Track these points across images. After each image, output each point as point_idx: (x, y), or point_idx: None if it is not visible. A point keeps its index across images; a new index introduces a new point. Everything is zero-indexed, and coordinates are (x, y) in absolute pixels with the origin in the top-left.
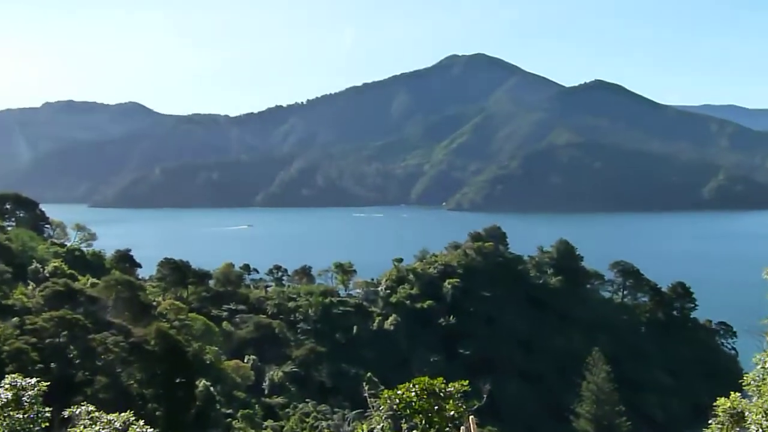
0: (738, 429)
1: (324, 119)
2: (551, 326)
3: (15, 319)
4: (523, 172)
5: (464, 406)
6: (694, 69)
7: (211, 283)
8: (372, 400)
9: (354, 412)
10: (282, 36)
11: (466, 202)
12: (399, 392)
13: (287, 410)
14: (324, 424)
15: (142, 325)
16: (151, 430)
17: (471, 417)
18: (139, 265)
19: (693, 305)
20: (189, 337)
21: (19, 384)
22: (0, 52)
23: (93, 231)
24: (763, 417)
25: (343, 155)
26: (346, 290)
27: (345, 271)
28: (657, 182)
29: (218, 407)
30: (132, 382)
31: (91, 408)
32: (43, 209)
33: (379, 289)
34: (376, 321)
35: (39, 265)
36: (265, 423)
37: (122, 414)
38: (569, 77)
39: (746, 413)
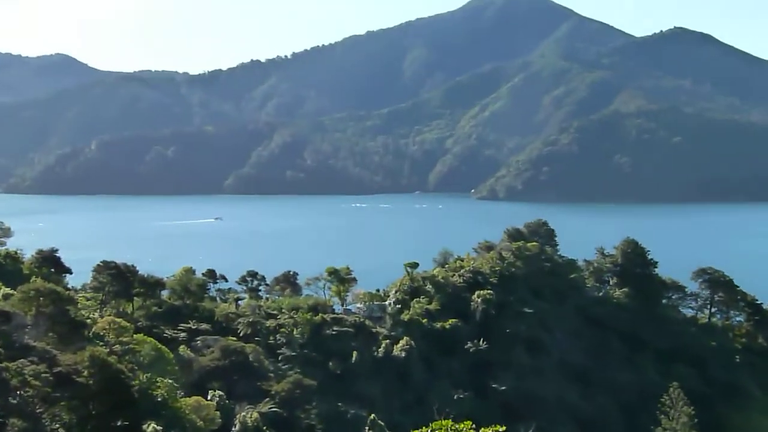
0: None
1: (315, 79)
2: (615, 354)
3: None
4: (578, 149)
5: None
6: None
7: (165, 294)
8: None
9: None
10: None
11: (502, 189)
12: None
13: None
14: None
15: (71, 350)
16: None
17: None
18: (69, 271)
19: None
20: (134, 366)
21: None
22: None
23: (7, 225)
24: None
25: (340, 127)
26: (342, 305)
27: (341, 279)
28: (756, 164)
29: None
30: (57, 426)
31: None
32: None
33: (387, 303)
34: (383, 345)
35: None
36: None
37: None
38: (640, 24)
39: None
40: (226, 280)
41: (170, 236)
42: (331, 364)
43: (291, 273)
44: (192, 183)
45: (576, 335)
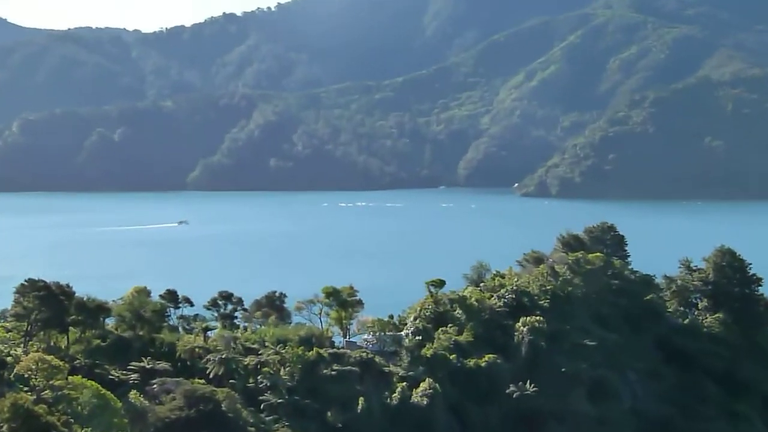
0: None
1: (307, 38)
2: (708, 401)
3: None
4: (655, 129)
5: None
6: None
7: (111, 323)
8: None
9: None
10: None
11: (555, 183)
12: None
13: None
14: None
15: None
16: None
17: None
18: None
19: None
20: (70, 419)
21: None
22: None
23: None
24: None
25: (341, 101)
26: (344, 336)
27: (343, 302)
28: None
29: None
30: None
31: None
32: None
33: (404, 333)
34: (398, 389)
35: None
36: None
37: None
38: None
39: None
40: (192, 304)
41: (118, 246)
42: (329, 414)
43: (276, 294)
44: (147, 176)
45: (654, 376)
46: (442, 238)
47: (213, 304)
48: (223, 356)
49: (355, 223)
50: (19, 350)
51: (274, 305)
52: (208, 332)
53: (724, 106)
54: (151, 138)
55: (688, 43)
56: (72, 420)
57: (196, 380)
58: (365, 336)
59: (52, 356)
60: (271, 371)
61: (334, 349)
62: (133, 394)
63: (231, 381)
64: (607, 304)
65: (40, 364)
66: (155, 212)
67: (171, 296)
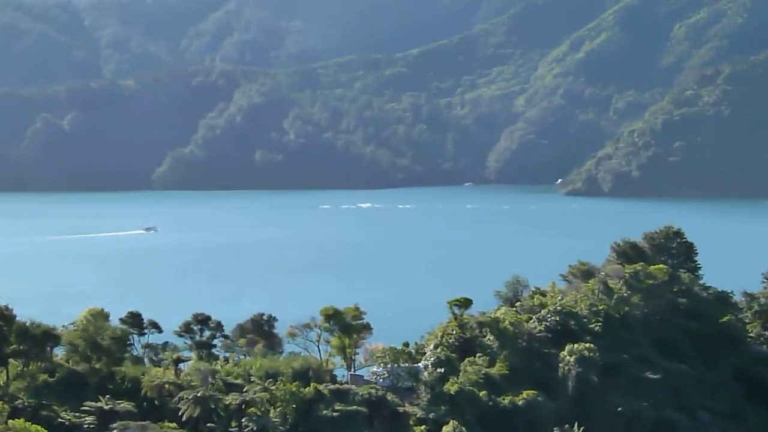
0: None
1: (299, 1)
2: None
3: None
4: (731, 112)
5: None
6: None
7: (60, 353)
8: None
9: None
10: None
11: (607, 178)
12: None
13: None
14: None
15: None
16: None
17: None
18: None
19: None
20: None
21: None
22: None
23: None
24: None
25: (343, 79)
26: (349, 368)
27: (346, 326)
28: None
29: None
30: None
31: None
32: None
33: (422, 364)
34: None
35: None
36: None
37: None
38: None
39: None
40: (160, 330)
41: (69, 259)
42: None
43: (264, 317)
44: (104, 172)
45: (734, 417)
46: (467, 248)
47: (186, 330)
48: (200, 394)
49: (360, 229)
50: None
51: (261, 331)
52: (181, 364)
53: None
54: (109, 125)
55: None
56: None
57: (166, 424)
58: (374, 368)
59: None
60: (259, 412)
61: (336, 385)
62: None
63: (209, 424)
64: (673, 327)
65: None
66: (115, 217)
67: (134, 320)
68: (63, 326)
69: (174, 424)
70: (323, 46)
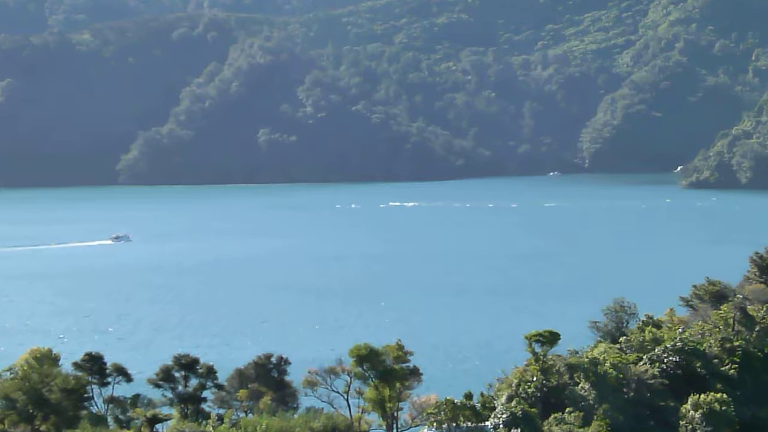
0: None
1: None
2: None
3: None
4: None
5: None
6: None
7: None
8: None
9: None
10: None
11: (746, 165)
12: None
13: None
14: None
15: None
16: None
17: None
18: None
19: None
20: None
21: None
22: None
23: None
24: None
25: (378, 29)
26: (391, 429)
27: (386, 371)
28: None
29: None
30: None
31: None
32: None
33: (491, 424)
34: None
35: None
36: None
37: None
38: None
39: None
40: (129, 378)
41: (8, 279)
42: None
43: (272, 360)
44: (53, 160)
45: None
46: (549, 262)
47: (165, 378)
48: None
49: (400, 237)
50: None
51: (268, 378)
52: (158, 425)
53: None
54: (57, 97)
55: None
56: None
57: None
58: (425, 430)
59: None
60: None
61: None
62: None
63: None
64: None
65: None
66: (71, 223)
67: (94, 364)
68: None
69: None
70: None
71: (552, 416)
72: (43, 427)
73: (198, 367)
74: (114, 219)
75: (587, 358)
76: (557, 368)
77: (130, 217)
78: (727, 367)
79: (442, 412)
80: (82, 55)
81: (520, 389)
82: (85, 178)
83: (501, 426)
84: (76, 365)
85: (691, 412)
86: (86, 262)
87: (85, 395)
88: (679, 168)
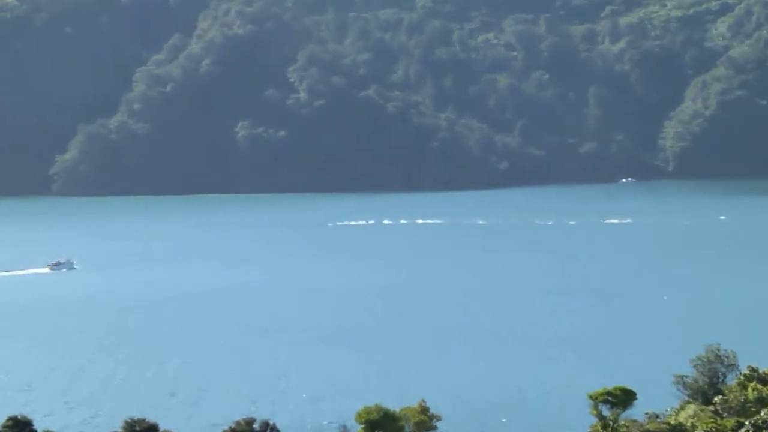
0: None
1: None
2: None
3: None
4: None
5: None
6: None
7: None
8: None
9: None
10: None
11: None
12: None
13: None
14: None
15: None
16: None
17: None
18: None
19: None
20: None
21: None
22: None
23: None
24: None
25: None
26: None
27: None
28: None
29: None
30: None
31: None
32: None
33: None
34: None
35: None
36: None
37: None
38: None
39: None
40: None
41: None
42: None
43: (255, 426)
44: None
45: None
46: (616, 297)
47: None
48: None
49: (420, 265)
50: None
51: None
52: None
53: None
54: None
55: None
56: None
57: None
58: None
59: None
60: None
61: None
62: None
63: None
64: None
65: None
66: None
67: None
68: None
69: None
70: None
71: None
72: None
73: None
74: (50, 240)
75: (671, 424)
76: None
77: (70, 237)
78: None
79: None
80: (3, 24)
81: None
82: (7, 186)
83: None
84: None
85: None
86: (16, 297)
87: None
88: None
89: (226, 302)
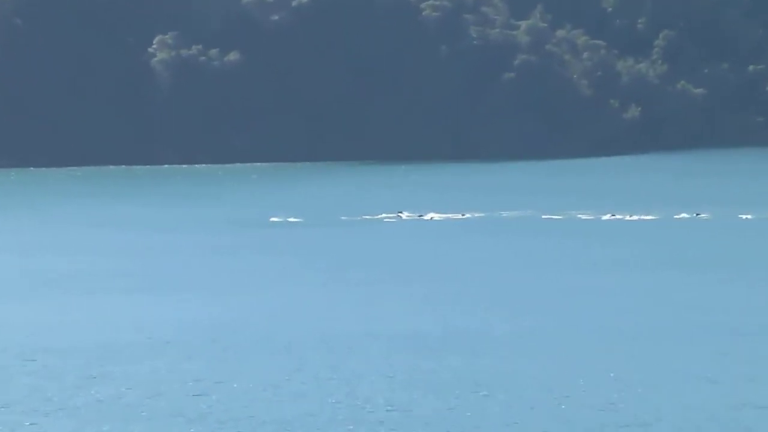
0: None
1: None
2: None
3: None
4: None
5: None
6: None
7: None
8: None
9: None
10: None
11: None
12: None
13: None
14: None
15: None
16: None
17: None
18: None
19: None
20: None
21: None
22: None
23: None
24: None
25: None
26: None
27: None
28: None
29: None
30: None
31: None
32: None
33: None
34: None
35: None
36: None
37: None
38: None
39: None
40: None
41: None
42: None
43: None
44: None
45: None
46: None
47: None
48: None
49: (471, 292)
50: None
51: None
52: None
53: None
54: None
55: None
56: None
57: None
58: None
59: None
60: None
61: None
62: None
63: None
64: None
65: None
66: None
67: None
68: None
69: None
70: None
71: None
72: None
73: None
74: None
75: None
76: None
77: None
78: None
79: None
80: None
81: None
82: None
83: None
84: None
85: None
86: None
87: None
88: None
89: (150, 357)
